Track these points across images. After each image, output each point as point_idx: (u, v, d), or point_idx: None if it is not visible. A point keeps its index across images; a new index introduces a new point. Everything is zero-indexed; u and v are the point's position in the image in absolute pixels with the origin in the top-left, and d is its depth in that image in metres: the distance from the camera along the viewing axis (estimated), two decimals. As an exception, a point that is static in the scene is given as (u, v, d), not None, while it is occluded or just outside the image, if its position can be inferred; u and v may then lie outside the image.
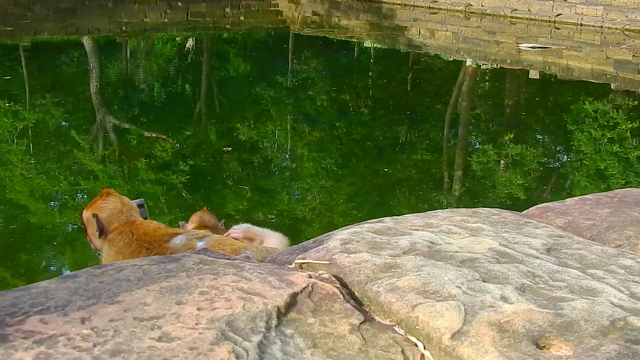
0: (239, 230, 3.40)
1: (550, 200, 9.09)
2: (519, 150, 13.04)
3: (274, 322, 1.61)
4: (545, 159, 12.72)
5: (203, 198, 11.37)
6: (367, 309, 1.77)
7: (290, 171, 12.60)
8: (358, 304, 1.78)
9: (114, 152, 12.76)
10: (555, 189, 11.55)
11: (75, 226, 10.65)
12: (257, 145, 13.01)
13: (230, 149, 12.14)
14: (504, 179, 12.11)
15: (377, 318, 1.73)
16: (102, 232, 3.19)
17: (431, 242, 2.06)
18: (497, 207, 8.28)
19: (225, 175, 11.84)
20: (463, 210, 2.43)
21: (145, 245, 2.90)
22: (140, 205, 3.39)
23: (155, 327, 1.53)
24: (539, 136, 14.23)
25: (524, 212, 2.57)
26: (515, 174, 12.16)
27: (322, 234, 7.23)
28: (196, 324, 1.55)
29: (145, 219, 3.33)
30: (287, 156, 13.18)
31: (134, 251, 2.92)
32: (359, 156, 13.06)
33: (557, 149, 13.69)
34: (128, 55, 20.22)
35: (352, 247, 2.01)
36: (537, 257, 1.99)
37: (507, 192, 11.53)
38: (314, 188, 12.24)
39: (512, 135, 13.48)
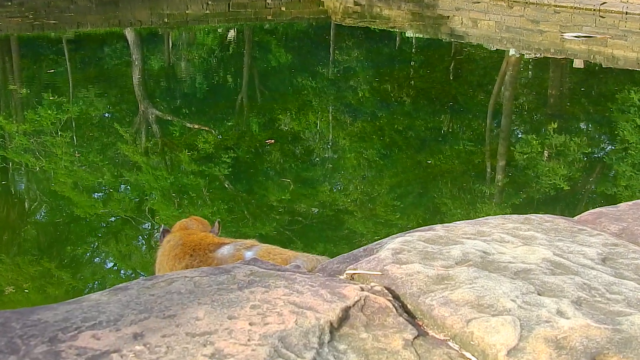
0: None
1: (596, 191, 8.99)
2: (563, 141, 12.90)
3: (326, 337, 1.59)
4: (590, 149, 12.58)
5: (245, 189, 11.41)
6: (421, 323, 1.74)
7: (333, 163, 12.58)
8: (411, 317, 1.76)
9: (157, 143, 12.84)
10: (600, 179, 11.42)
11: (119, 217, 10.75)
12: (299, 137, 13.01)
13: (272, 141, 12.15)
14: (547, 169, 11.99)
15: (430, 332, 1.70)
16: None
17: (484, 252, 2.02)
18: (540, 202, 8.19)
19: (267, 167, 11.86)
20: (515, 216, 2.39)
21: (189, 251, 2.85)
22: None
23: (208, 343, 1.52)
24: (583, 126, 14.07)
25: (576, 218, 2.53)
26: (559, 165, 12.03)
27: (365, 226, 7.26)
28: (249, 340, 1.54)
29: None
30: (329, 147, 13.16)
31: (177, 255, 2.87)
32: (401, 147, 13.02)
33: (602, 139, 13.53)
34: (170, 47, 20.32)
35: (403, 257, 1.98)
36: (593, 268, 1.95)
37: (550, 182, 11.42)
38: (356, 179, 12.21)
39: (555, 125, 13.34)
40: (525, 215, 2.38)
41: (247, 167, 12.05)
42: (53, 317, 1.61)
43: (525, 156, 12.72)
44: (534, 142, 12.95)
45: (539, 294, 1.78)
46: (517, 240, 2.14)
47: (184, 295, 1.73)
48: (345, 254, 2.17)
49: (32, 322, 1.59)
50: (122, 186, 12.11)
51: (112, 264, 9.80)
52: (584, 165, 12.07)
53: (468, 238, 2.15)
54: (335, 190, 12.00)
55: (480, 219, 2.36)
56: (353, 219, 10.82)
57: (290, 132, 13.13)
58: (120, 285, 1.83)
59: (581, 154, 12.36)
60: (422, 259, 1.97)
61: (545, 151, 12.83)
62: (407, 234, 2.19)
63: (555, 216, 2.44)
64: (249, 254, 2.62)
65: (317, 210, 11.24)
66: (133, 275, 9.66)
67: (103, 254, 10.22)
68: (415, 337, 1.64)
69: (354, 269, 1.96)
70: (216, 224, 3.28)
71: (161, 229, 3.24)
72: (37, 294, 8.47)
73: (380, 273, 1.90)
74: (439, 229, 2.24)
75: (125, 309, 1.66)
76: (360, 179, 12.56)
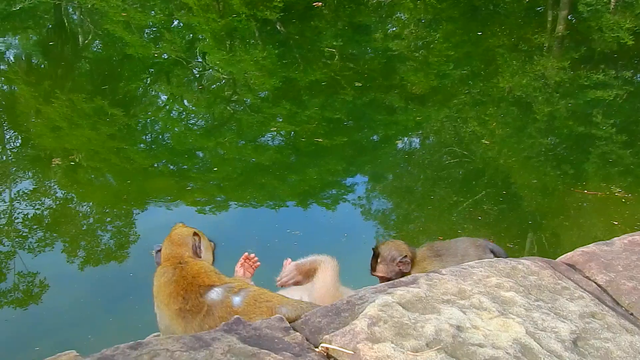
0: (287, 274, 3.47)
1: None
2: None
3: None
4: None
5: (298, 32, 11.35)
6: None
7: (387, 6, 12.43)
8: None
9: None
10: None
11: (170, 57, 10.83)
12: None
13: (320, 4, 12.00)
14: (612, 22, 11.72)
15: None
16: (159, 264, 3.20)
17: (457, 327, 2.07)
18: (600, 57, 8.18)
19: (321, 10, 11.82)
20: (502, 264, 2.38)
21: (182, 292, 2.90)
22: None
23: None
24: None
25: (568, 257, 2.53)
26: (624, 18, 11.76)
27: (416, 76, 7.38)
28: None
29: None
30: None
31: (171, 294, 2.93)
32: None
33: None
34: None
35: (377, 331, 2.04)
36: (559, 357, 1.99)
37: (614, 36, 11.20)
38: (411, 23, 12.09)
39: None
40: (512, 263, 2.38)
41: (300, 13, 11.96)
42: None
43: (589, 8, 12.39)
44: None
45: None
46: (494, 307, 2.17)
47: (160, 381, 1.83)
48: (328, 307, 2.22)
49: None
50: (173, 26, 12.11)
51: (162, 103, 10.00)
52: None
53: (447, 301, 2.18)
54: (388, 35, 11.89)
55: (466, 265, 2.38)
56: (405, 67, 10.74)
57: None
58: (108, 352, 1.93)
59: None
60: (396, 335, 2.03)
61: (611, 3, 12.48)
62: (390, 290, 2.23)
63: (544, 263, 2.44)
64: (237, 300, 2.71)
65: (371, 54, 11.19)
66: (184, 114, 9.84)
67: (154, 91, 10.41)
68: None
69: (329, 343, 2.03)
70: (195, 238, 3.24)
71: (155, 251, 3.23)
72: (90, 131, 8.74)
73: (352, 352, 1.97)
74: (422, 284, 2.26)
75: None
76: (416, 22, 12.40)
